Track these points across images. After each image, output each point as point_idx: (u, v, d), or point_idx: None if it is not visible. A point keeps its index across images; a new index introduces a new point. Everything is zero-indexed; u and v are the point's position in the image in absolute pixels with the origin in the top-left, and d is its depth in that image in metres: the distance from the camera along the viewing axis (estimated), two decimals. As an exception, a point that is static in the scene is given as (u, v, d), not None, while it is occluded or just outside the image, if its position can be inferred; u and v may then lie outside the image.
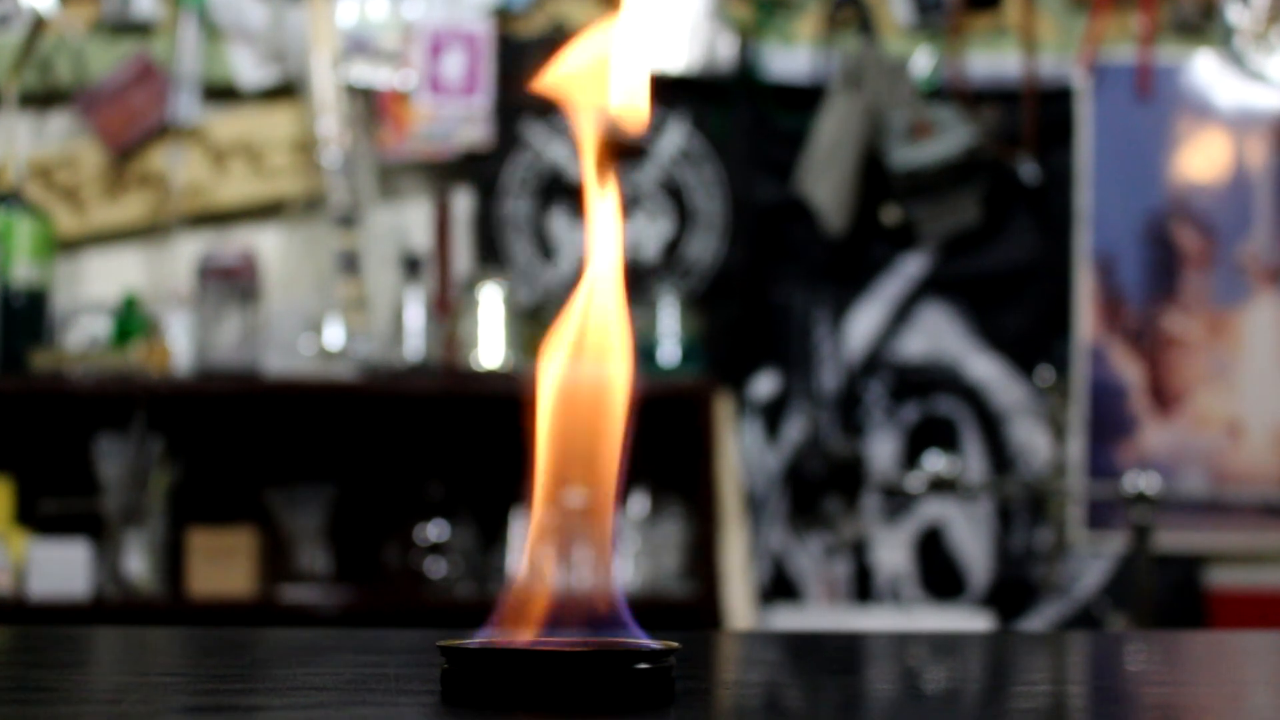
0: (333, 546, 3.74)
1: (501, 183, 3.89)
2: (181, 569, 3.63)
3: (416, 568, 3.71)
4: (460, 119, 3.86)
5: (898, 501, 3.90)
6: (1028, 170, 3.93)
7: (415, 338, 3.70)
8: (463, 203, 3.89)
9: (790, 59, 3.92)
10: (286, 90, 3.86)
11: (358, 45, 3.82)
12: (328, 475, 3.76)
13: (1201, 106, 3.94)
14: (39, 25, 3.71)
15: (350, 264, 3.73)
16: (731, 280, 3.91)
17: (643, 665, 0.96)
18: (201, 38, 3.82)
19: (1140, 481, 3.18)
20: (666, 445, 3.68)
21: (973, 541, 3.93)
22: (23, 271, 3.62)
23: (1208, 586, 3.93)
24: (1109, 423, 3.92)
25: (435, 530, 3.71)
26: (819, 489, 3.88)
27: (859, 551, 3.92)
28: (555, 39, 3.89)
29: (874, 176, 3.86)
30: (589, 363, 1.02)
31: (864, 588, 3.92)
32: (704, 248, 3.92)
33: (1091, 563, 3.91)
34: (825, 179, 3.83)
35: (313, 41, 3.77)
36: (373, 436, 3.82)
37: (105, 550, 3.58)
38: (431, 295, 3.73)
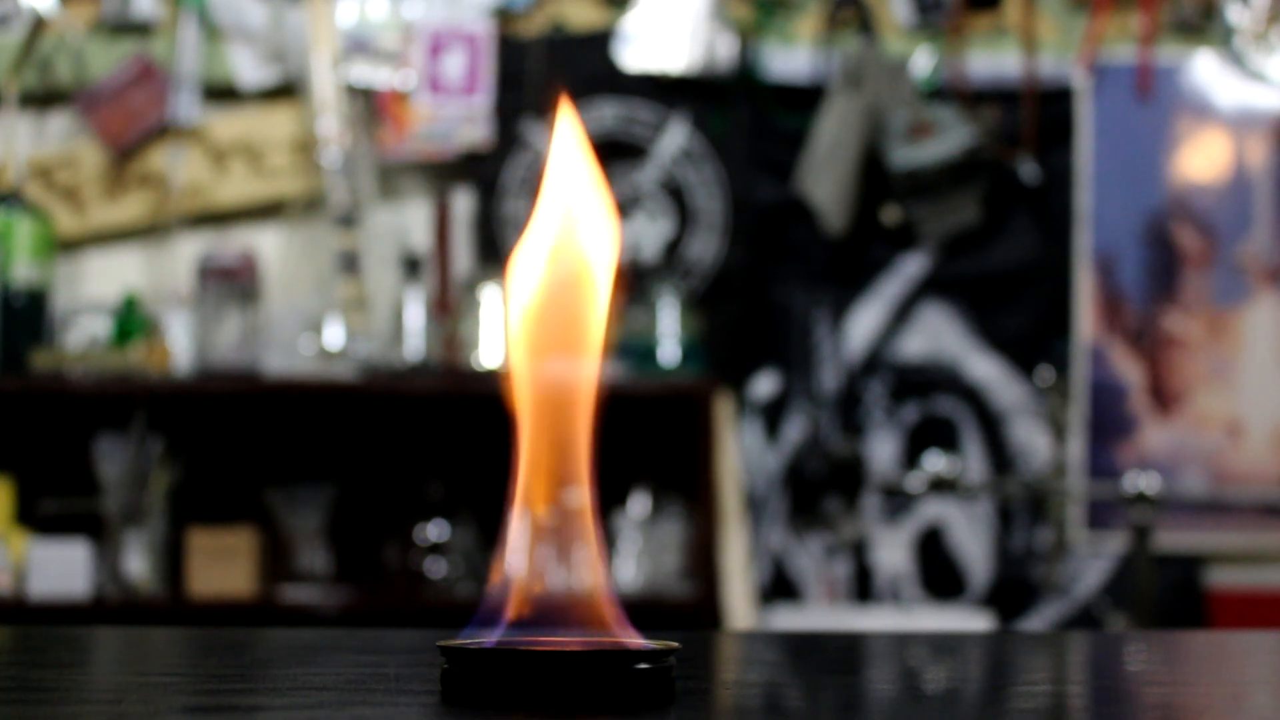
0: (333, 546, 3.74)
1: (501, 183, 3.89)
2: (181, 569, 3.63)
3: (416, 568, 3.71)
4: (460, 119, 3.86)
5: (898, 501, 3.90)
6: (1028, 170, 3.93)
7: (415, 338, 3.70)
8: (463, 203, 3.89)
9: (790, 59, 3.92)
10: (286, 90, 3.86)
11: (358, 45, 3.82)
12: (328, 475, 3.76)
13: (1201, 106, 3.94)
14: (39, 25, 3.71)
15: (350, 264, 3.73)
16: (731, 280, 3.91)
17: (643, 665, 0.96)
18: (201, 38, 3.82)
19: (1140, 481, 3.18)
20: (666, 445, 3.68)
21: (973, 541, 3.93)
22: (23, 271, 3.62)
23: (1208, 586, 3.93)
24: (1109, 423, 3.92)
25: (435, 530, 3.71)
26: (819, 489, 3.88)
27: (859, 551, 3.92)
28: (555, 39, 3.89)
29: (874, 176, 3.86)
30: (560, 358, 1.02)
31: (864, 588, 3.92)
32: (704, 248, 3.92)
33: (1091, 563, 3.91)
34: (825, 179, 3.83)
35: (313, 41, 3.77)
36: (373, 436, 3.82)
37: (105, 550, 3.58)
38: (431, 295, 3.73)
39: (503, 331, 3.64)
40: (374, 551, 3.77)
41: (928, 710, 1.01)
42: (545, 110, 3.89)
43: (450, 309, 3.71)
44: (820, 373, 3.93)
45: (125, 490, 3.59)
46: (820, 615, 3.82)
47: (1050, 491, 3.78)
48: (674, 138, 3.93)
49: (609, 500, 3.66)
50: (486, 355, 3.66)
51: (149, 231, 3.87)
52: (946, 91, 3.91)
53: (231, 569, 3.62)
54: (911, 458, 3.86)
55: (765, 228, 3.92)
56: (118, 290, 3.78)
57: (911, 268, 3.94)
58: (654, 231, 3.93)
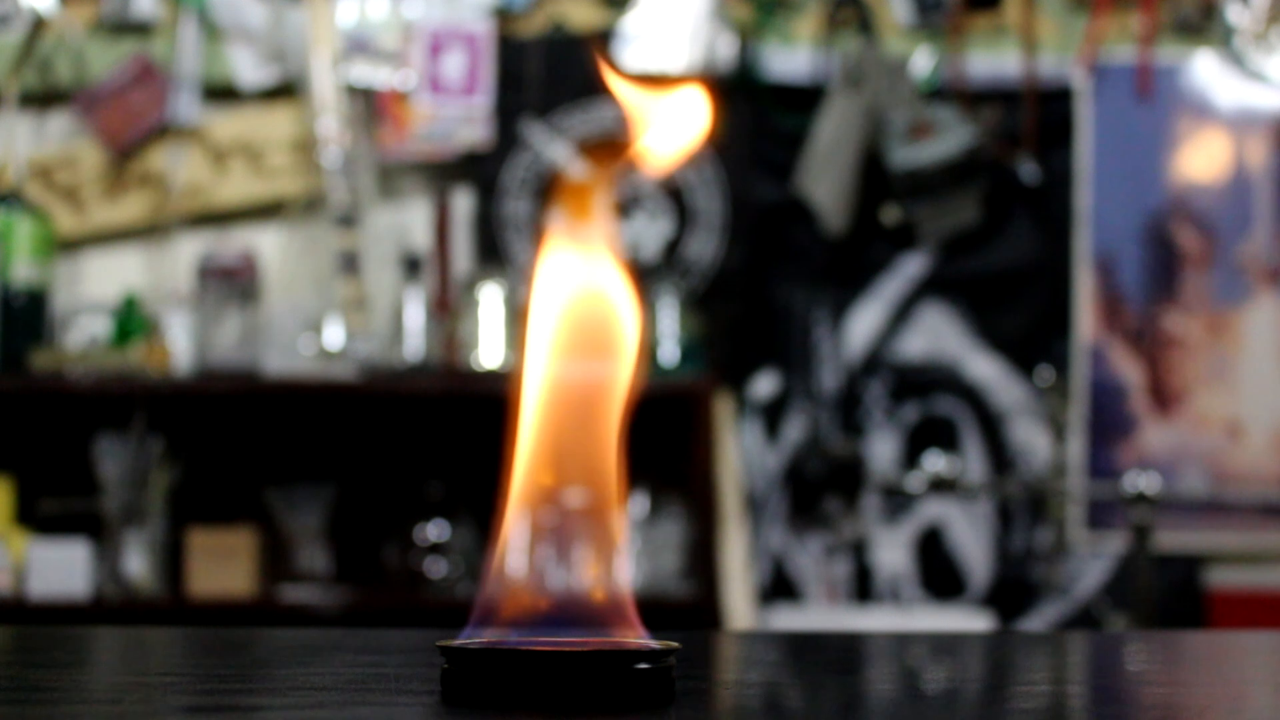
0: (333, 546, 3.74)
1: (501, 183, 3.89)
2: (181, 569, 3.63)
3: (416, 568, 3.71)
4: (460, 119, 3.86)
5: (898, 501, 3.90)
6: (1028, 170, 3.93)
7: (415, 338, 3.70)
8: (463, 203, 3.89)
9: (790, 59, 3.92)
10: (286, 90, 3.86)
11: (358, 45, 3.82)
12: (328, 475, 3.76)
13: (1201, 106, 3.94)
14: (39, 25, 3.72)
15: (350, 264, 3.73)
16: (731, 280, 3.91)
17: (643, 665, 0.96)
18: (201, 38, 3.82)
19: (1140, 481, 3.17)
20: (666, 445, 3.68)
21: (973, 541, 3.93)
22: (23, 271, 3.62)
23: (1208, 586, 3.93)
24: (1109, 423, 3.92)
25: (435, 530, 3.71)
26: (819, 489, 3.88)
27: (859, 551, 3.92)
28: (555, 39, 3.89)
29: (874, 176, 3.86)
30: (587, 358, 1.02)
31: (864, 588, 3.92)
32: (704, 248, 3.92)
33: (1091, 563, 3.91)
34: (825, 179, 3.83)
35: (313, 41, 3.77)
36: (373, 436, 3.82)
37: (105, 550, 3.58)
38: (431, 295, 3.73)
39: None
40: (374, 551, 3.77)
41: (928, 710, 1.01)
42: (545, 111, 3.89)
43: (450, 309, 3.71)
44: (820, 373, 3.93)
45: (125, 490, 3.59)
46: (820, 615, 3.82)
47: (1050, 491, 3.78)
48: (674, 138, 3.92)
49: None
50: (486, 355, 3.66)
51: (149, 231, 3.87)
52: (946, 91, 3.91)
53: (231, 569, 3.62)
54: (911, 458, 3.86)
55: (765, 228, 3.92)
56: (118, 290, 3.78)
57: (911, 268, 3.94)
58: (654, 231, 3.93)
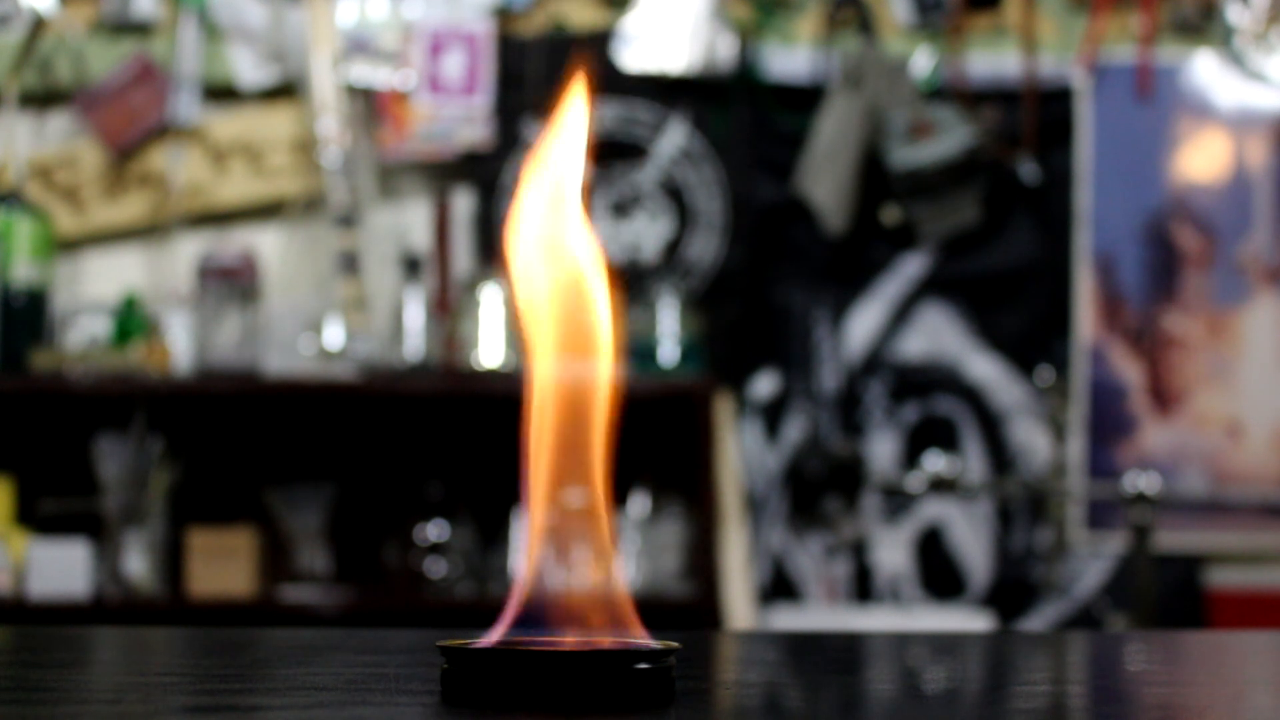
0: (333, 546, 3.74)
1: (501, 183, 3.89)
2: (181, 569, 3.63)
3: (416, 568, 3.71)
4: (460, 119, 3.86)
5: (898, 501, 3.90)
6: (1028, 170, 3.93)
7: (415, 338, 3.70)
8: (463, 203, 3.89)
9: (790, 59, 3.92)
10: (286, 90, 3.86)
11: (358, 45, 3.82)
12: (328, 475, 3.76)
13: (1201, 106, 3.94)
14: (39, 25, 3.71)
15: (350, 264, 3.73)
16: (731, 280, 3.91)
17: (643, 665, 0.96)
18: (201, 38, 3.82)
19: (1140, 481, 3.17)
20: (666, 445, 3.68)
21: (973, 541, 3.93)
22: (23, 271, 3.62)
23: (1208, 586, 3.93)
24: (1109, 423, 3.92)
25: (435, 530, 3.71)
26: (819, 489, 3.88)
27: (859, 551, 3.92)
28: (555, 39, 3.89)
29: (874, 176, 3.86)
30: (573, 360, 1.02)
31: (864, 588, 3.92)
32: (704, 248, 3.92)
33: (1091, 563, 3.91)
34: (825, 179, 3.83)
35: (313, 41, 3.77)
36: (373, 436, 3.82)
37: (105, 550, 3.58)
38: (431, 295, 3.73)
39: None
40: (374, 551, 3.77)
41: (928, 710, 1.01)
42: (546, 108, 3.89)
43: (450, 309, 3.71)
44: (820, 373, 3.93)
45: (125, 490, 3.59)
46: (820, 615, 3.82)
47: (1050, 491, 3.78)
48: (674, 138, 3.93)
49: (613, 499, 3.65)
50: (486, 355, 3.66)
51: (149, 231, 3.87)
52: (946, 91, 3.91)
53: (231, 569, 3.62)
54: (911, 458, 3.86)
55: (765, 228, 3.92)
56: (118, 290, 3.78)
57: (911, 268, 3.94)
58: (654, 231, 3.93)
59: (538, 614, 1.00)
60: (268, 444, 3.80)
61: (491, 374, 3.64)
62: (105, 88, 3.81)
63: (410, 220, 3.88)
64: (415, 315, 3.71)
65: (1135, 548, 3.18)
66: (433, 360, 3.69)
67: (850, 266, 3.93)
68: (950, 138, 3.82)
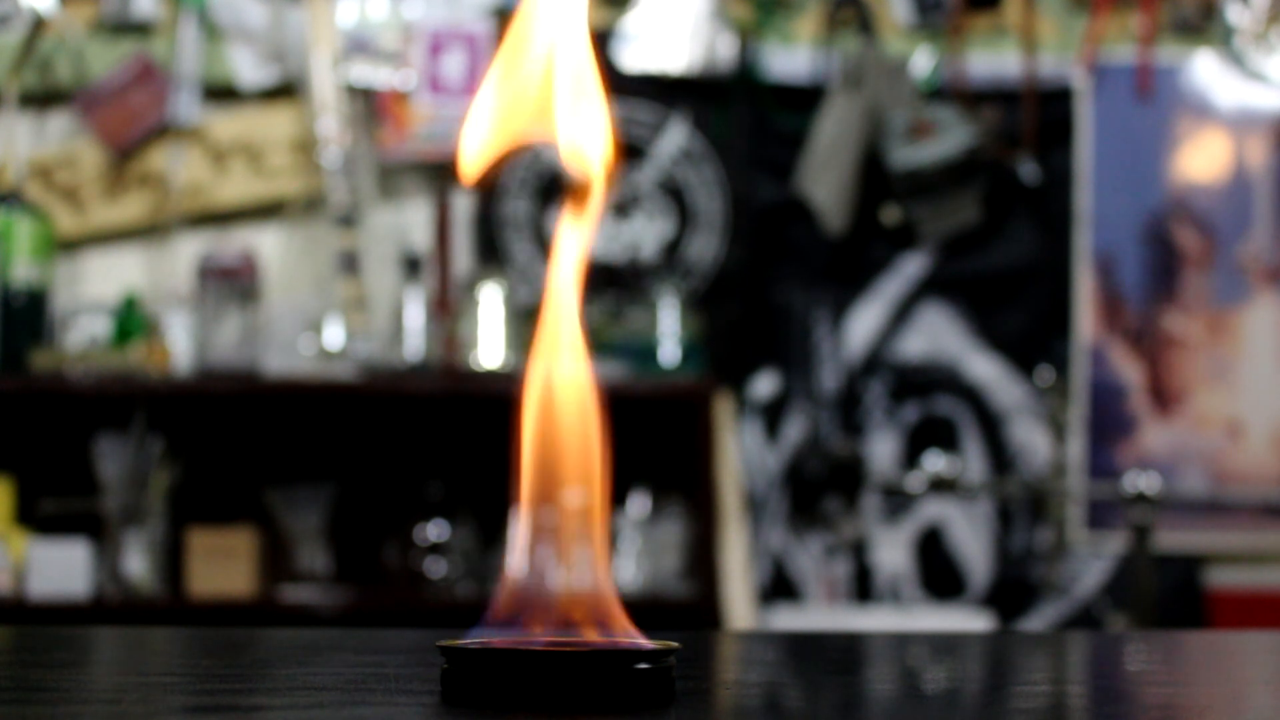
0: (333, 546, 3.74)
1: (501, 183, 3.89)
2: (181, 569, 3.63)
3: (416, 568, 3.71)
4: (460, 119, 3.85)
5: (898, 501, 3.90)
6: (1028, 170, 3.93)
7: (415, 338, 3.70)
8: (463, 203, 3.89)
9: (790, 59, 3.92)
10: (286, 90, 3.86)
11: (358, 45, 3.82)
12: (328, 475, 3.76)
13: (1201, 106, 3.94)
14: (39, 25, 3.71)
15: (350, 264, 3.73)
16: (731, 280, 3.91)
17: (643, 665, 0.96)
18: (201, 38, 3.82)
19: (1140, 481, 3.17)
20: (666, 445, 3.68)
21: (973, 541, 3.93)
22: (23, 271, 3.62)
23: (1208, 586, 3.93)
24: (1109, 423, 3.92)
25: (435, 530, 3.71)
26: (819, 489, 3.88)
27: (859, 551, 3.92)
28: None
29: (874, 176, 3.86)
30: (559, 364, 1.02)
31: (864, 588, 3.92)
32: (704, 248, 3.92)
33: (1091, 563, 3.91)
34: (825, 179, 3.83)
35: (313, 41, 3.77)
36: (373, 436, 3.82)
37: (105, 550, 3.58)
38: (431, 295, 3.73)
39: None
40: (374, 551, 3.77)
41: (928, 710, 1.01)
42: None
43: (450, 309, 3.71)
44: (820, 373, 3.93)
45: (125, 490, 3.59)
46: (820, 615, 3.82)
47: (1050, 491, 3.78)
48: (674, 138, 3.93)
49: (609, 500, 3.65)
50: (486, 355, 3.66)
51: (149, 231, 3.86)
52: (946, 91, 3.91)
53: (231, 569, 3.62)
54: (911, 458, 3.86)
55: (765, 228, 3.92)
56: (118, 290, 3.78)
57: (911, 268, 3.94)
58: (654, 231, 3.93)
59: (522, 613, 1.00)
60: (268, 444, 3.80)
61: (491, 374, 3.64)
62: (105, 88, 3.81)
63: (410, 220, 3.88)
64: (415, 315, 3.71)
65: (1135, 548, 3.18)
66: (433, 360, 3.69)
67: (850, 266, 3.93)
68: (950, 138, 3.82)
